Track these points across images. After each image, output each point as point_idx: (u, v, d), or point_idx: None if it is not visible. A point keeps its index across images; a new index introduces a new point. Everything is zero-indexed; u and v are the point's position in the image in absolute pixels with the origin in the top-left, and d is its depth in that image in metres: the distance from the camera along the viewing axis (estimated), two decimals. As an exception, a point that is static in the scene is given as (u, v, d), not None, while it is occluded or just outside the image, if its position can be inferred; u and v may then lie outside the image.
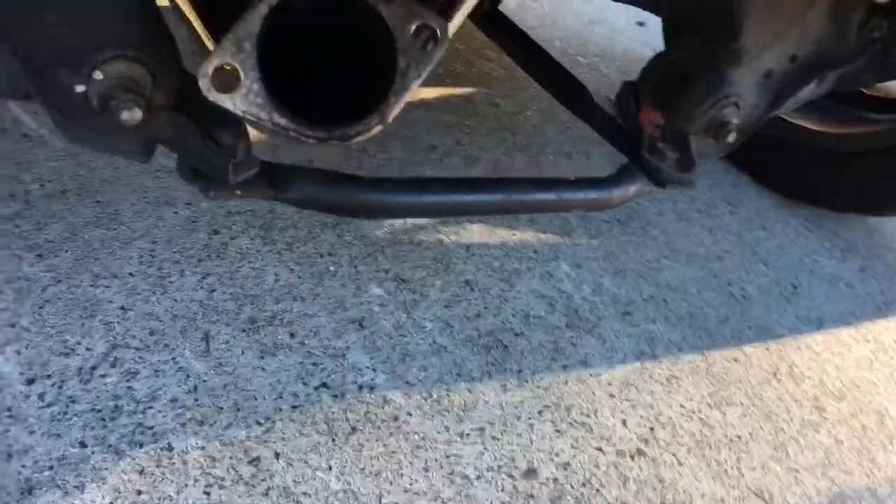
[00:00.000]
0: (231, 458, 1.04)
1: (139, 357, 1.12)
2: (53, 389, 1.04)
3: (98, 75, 0.85)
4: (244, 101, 0.80)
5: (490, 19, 1.80)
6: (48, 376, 1.05)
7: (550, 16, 2.95)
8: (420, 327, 1.37)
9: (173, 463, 1.01)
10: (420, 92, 2.08)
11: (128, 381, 1.09)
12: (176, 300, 1.23)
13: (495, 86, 2.26)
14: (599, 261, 1.73)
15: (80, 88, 0.85)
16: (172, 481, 0.99)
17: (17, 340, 1.08)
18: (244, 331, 1.23)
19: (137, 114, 0.85)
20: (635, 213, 1.97)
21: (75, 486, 0.95)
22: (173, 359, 1.14)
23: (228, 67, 0.80)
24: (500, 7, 1.93)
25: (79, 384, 1.06)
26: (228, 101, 0.80)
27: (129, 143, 0.94)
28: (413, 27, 0.85)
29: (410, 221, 1.61)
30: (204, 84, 0.79)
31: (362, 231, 1.53)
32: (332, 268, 1.42)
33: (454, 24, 0.94)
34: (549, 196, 1.23)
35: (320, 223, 1.50)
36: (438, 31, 0.86)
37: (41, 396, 1.03)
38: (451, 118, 2.03)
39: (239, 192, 0.97)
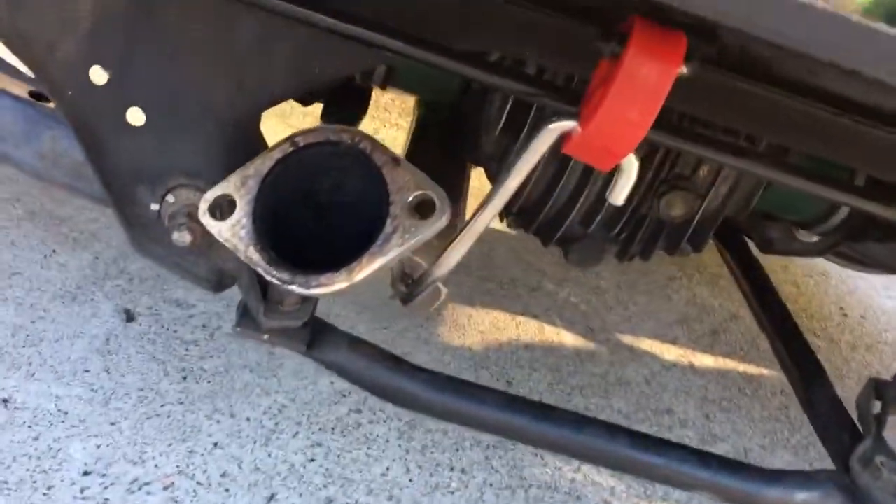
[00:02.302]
0: None
1: (194, 491, 1.15)
2: (98, 488, 1.11)
3: (171, 198, 0.96)
4: (229, 230, 0.83)
5: (728, 244, 1.61)
6: (104, 475, 1.13)
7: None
8: (513, 582, 1.18)
9: None
10: (690, 355, 1.89)
11: (166, 506, 1.12)
12: (270, 455, 1.24)
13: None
14: None
15: (154, 207, 0.97)
16: None
17: (104, 436, 1.18)
18: (311, 507, 1.19)
19: (186, 237, 0.93)
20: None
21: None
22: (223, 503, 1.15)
23: (228, 198, 0.85)
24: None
25: (123, 492, 1.11)
26: (214, 227, 0.84)
27: (196, 266, 1.02)
28: (412, 196, 0.82)
29: (584, 471, 1.43)
30: (202, 207, 0.85)
31: (518, 463, 1.40)
32: (454, 484, 1.31)
33: (481, 222, 0.88)
34: (653, 459, 1.01)
35: (474, 440, 1.41)
36: (438, 207, 0.82)
37: (83, 490, 1.10)
38: (713, 391, 1.79)
39: (266, 338, 0.98)
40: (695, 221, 1.23)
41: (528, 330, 1.76)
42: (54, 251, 1.48)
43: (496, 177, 1.23)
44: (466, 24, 0.86)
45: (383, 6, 0.87)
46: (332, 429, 1.33)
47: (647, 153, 1.14)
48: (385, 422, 1.38)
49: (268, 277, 0.82)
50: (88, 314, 1.38)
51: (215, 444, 1.23)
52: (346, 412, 1.37)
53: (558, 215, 1.20)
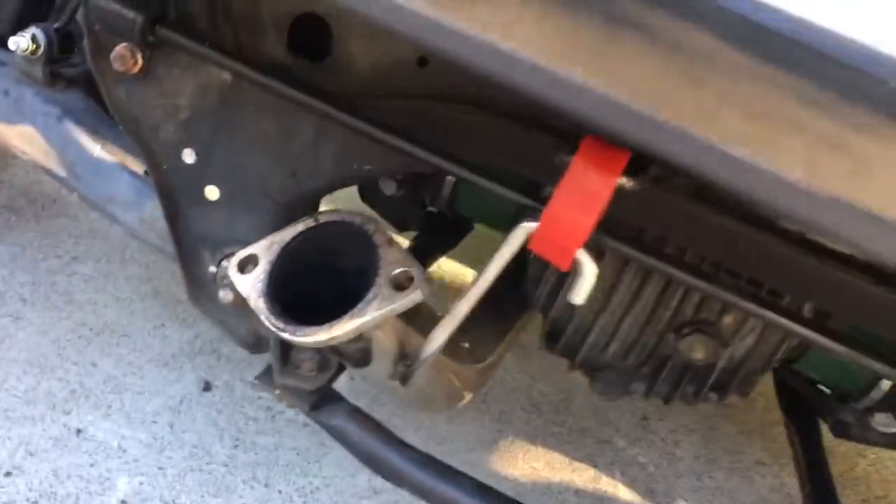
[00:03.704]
0: None
1: (209, 539, 1.27)
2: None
3: (226, 263, 1.15)
4: (248, 283, 0.99)
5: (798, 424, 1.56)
6: (138, 507, 1.28)
7: None
8: None
9: None
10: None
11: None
12: (288, 526, 1.34)
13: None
14: None
15: (212, 269, 1.15)
16: None
17: (149, 476, 1.33)
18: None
19: (229, 296, 1.11)
20: None
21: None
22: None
23: (254, 258, 1.01)
24: None
25: (148, 524, 1.25)
26: (237, 279, 1.00)
27: (238, 327, 1.19)
28: (396, 271, 0.95)
29: None
30: (232, 262, 1.02)
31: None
32: None
33: (459, 312, 0.99)
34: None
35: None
36: (414, 283, 0.94)
37: (116, 513, 1.25)
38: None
39: (277, 392, 1.11)
40: (717, 369, 1.26)
41: (584, 476, 1.77)
42: (163, 325, 1.71)
43: (535, 304, 1.33)
44: (462, 138, 1.01)
45: (406, 118, 1.02)
46: (362, 523, 1.41)
47: (662, 291, 1.20)
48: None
49: (266, 324, 0.97)
50: (173, 378, 1.57)
51: (242, 506, 1.35)
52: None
53: (576, 338, 1.27)
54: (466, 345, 1.35)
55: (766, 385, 2.41)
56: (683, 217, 0.98)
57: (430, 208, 1.66)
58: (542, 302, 1.30)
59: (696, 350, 1.24)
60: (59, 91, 1.37)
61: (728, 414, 2.24)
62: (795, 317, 0.95)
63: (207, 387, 1.58)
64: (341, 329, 0.94)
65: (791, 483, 2.05)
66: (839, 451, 2.03)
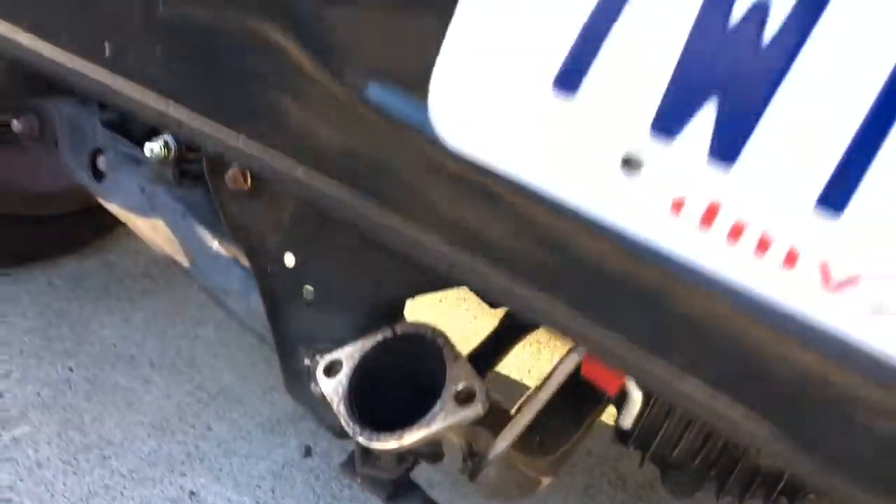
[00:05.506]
0: None
1: None
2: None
3: (318, 358, 1.27)
4: (331, 387, 1.12)
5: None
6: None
7: None
8: None
9: None
10: None
11: None
12: None
13: None
14: None
15: (306, 362, 1.29)
16: None
17: (216, 482, 1.48)
18: None
19: (318, 389, 1.23)
20: None
21: None
22: None
23: (339, 362, 1.14)
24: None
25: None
26: (322, 382, 1.12)
27: (329, 417, 1.31)
28: (460, 386, 1.05)
29: None
30: (320, 365, 1.14)
31: None
32: None
33: (527, 414, 1.07)
34: None
35: None
36: (476, 399, 1.04)
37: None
38: None
39: (359, 481, 1.22)
40: (787, 474, 1.28)
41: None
42: (272, 388, 1.86)
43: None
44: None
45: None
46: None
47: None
48: None
49: (346, 428, 1.08)
50: (277, 443, 1.72)
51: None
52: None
53: (647, 437, 1.32)
54: (537, 438, 1.42)
55: None
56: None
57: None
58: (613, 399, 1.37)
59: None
60: (185, 189, 1.54)
61: None
62: None
63: (308, 452, 1.72)
64: (410, 438, 1.04)
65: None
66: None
